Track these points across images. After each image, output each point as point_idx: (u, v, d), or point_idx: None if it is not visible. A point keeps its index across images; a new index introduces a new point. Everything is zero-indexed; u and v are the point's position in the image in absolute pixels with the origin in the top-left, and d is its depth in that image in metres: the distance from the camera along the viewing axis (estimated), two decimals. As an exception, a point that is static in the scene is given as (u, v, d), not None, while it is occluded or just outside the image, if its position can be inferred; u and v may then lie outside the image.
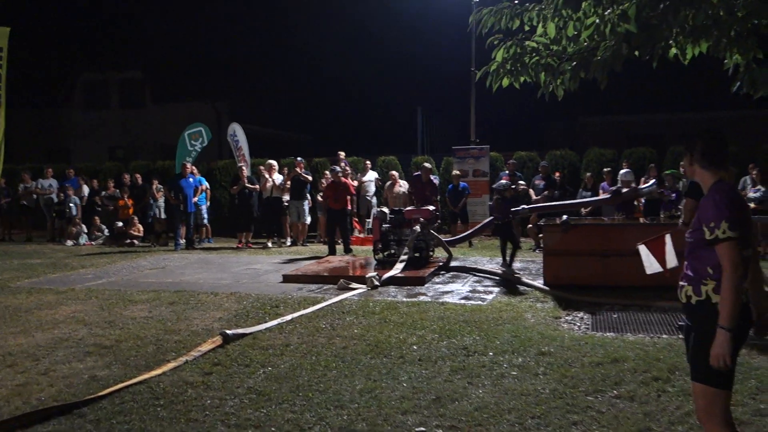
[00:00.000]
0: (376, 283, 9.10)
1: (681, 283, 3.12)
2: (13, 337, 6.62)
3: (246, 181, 15.38)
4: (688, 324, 3.12)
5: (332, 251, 13.06)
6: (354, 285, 9.03)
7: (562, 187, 14.70)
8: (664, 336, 6.26)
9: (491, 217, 11.00)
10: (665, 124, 25.04)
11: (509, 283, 9.36)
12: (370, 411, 4.39)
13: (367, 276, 9.22)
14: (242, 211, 15.65)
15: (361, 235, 16.01)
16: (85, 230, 17.40)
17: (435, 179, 13.57)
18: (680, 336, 6.20)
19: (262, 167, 16.03)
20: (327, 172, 15.48)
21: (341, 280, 9.19)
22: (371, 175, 16.74)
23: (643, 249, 6.96)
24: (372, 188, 16.62)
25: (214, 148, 22.39)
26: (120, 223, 16.79)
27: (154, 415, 4.41)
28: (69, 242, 16.89)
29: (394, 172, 15.96)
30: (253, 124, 21.63)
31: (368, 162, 17.15)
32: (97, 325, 7.08)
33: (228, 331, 6.30)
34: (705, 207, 2.97)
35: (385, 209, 11.86)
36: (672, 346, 5.83)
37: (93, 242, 17.03)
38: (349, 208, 14.42)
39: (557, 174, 15.16)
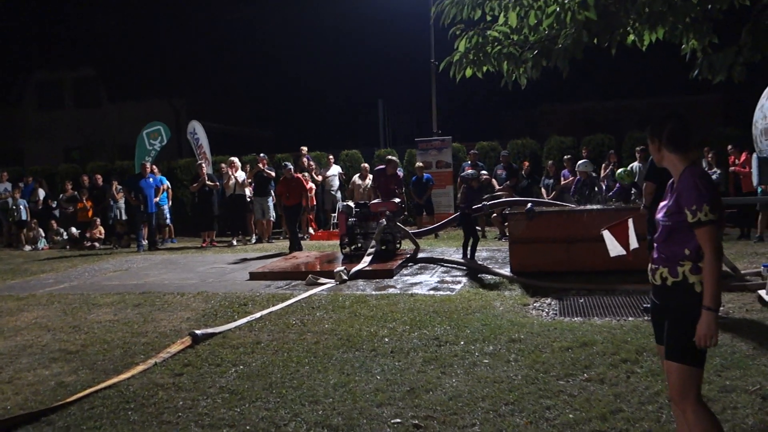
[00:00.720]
0: (345, 277, 9.08)
1: (653, 265, 3.14)
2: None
3: (206, 178, 15.20)
4: (660, 305, 3.14)
5: (297, 247, 12.99)
6: (322, 280, 9.00)
7: (530, 176, 14.85)
8: (630, 318, 6.38)
9: (460, 209, 11.04)
10: (622, 110, 25.50)
11: (477, 272, 9.43)
12: (345, 405, 4.39)
13: (335, 270, 9.19)
14: (203, 209, 15.50)
15: (312, 231, 15.92)
16: (43, 234, 17.04)
17: (399, 172, 13.59)
18: (646, 318, 6.33)
19: (223, 165, 15.86)
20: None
21: (309, 276, 9.15)
22: (335, 170, 16.69)
23: (607, 234, 7.09)
24: (336, 183, 16.58)
25: (173, 147, 22.07)
26: (74, 229, 16.46)
27: (125, 419, 4.34)
28: (27, 247, 16.51)
29: (366, 165, 15.88)
30: (213, 121, 21.37)
31: (331, 156, 17.09)
32: (62, 331, 6.93)
33: (197, 331, 6.23)
34: (685, 190, 2.97)
35: (351, 203, 11.83)
36: (638, 328, 5.94)
37: (52, 246, 16.67)
38: (306, 204, 14.31)
39: (525, 164, 15.29)
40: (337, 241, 11.65)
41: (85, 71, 28.09)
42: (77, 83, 28.39)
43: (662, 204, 3.17)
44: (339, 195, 16.52)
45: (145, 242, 15.00)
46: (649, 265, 3.18)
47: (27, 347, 6.32)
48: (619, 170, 10.93)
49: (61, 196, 17.46)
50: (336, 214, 15.04)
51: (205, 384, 4.96)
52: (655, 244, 3.17)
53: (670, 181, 3.21)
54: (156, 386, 4.95)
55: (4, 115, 28.12)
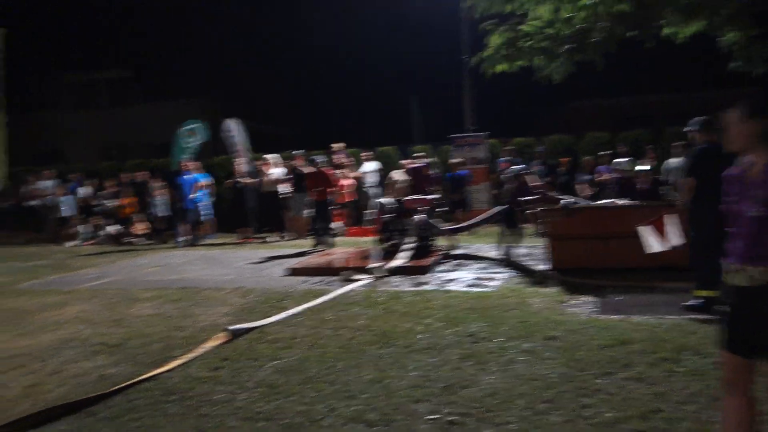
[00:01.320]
0: (380, 273, 9.10)
1: (737, 264, 2.88)
2: (19, 339, 6.61)
3: (241, 176, 15.35)
4: (751, 309, 2.86)
5: (328, 243, 13.02)
6: (358, 276, 9.03)
7: (569, 172, 14.70)
8: (670, 317, 6.26)
9: (505, 205, 10.94)
10: (656, 105, 25.08)
11: (513, 269, 9.37)
12: (380, 400, 4.40)
13: (370, 266, 9.22)
14: (240, 206, 15.65)
15: (342, 227, 15.90)
16: (84, 231, 17.39)
17: (435, 170, 13.52)
18: (686, 316, 6.21)
19: (261, 161, 16.00)
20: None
21: (345, 272, 9.18)
22: (371, 166, 16.70)
23: (642, 230, 7.00)
24: (372, 179, 16.57)
25: (210, 145, 22.30)
26: (114, 226, 16.78)
27: (164, 412, 4.41)
28: (69, 243, 16.87)
29: (406, 161, 15.83)
30: (246, 119, 21.51)
31: (368, 153, 17.10)
32: (103, 325, 7.08)
33: (234, 326, 6.31)
34: None
35: (387, 200, 11.83)
36: (678, 326, 5.84)
37: (92, 243, 17.01)
38: (334, 198, 14.33)
39: (565, 160, 15.12)
40: (373, 238, 11.67)
41: (120, 71, 28.58)
42: (113, 83, 28.90)
43: (737, 193, 2.94)
44: (375, 191, 16.54)
45: (183, 238, 15.22)
46: (729, 264, 2.95)
47: (70, 341, 6.47)
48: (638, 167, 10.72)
49: (101, 193, 17.81)
50: (372, 211, 15.05)
51: (242, 378, 5.02)
52: (735, 241, 2.95)
53: (732, 170, 3.02)
54: (194, 380, 5.02)
55: (43, 115, 28.73)
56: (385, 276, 9.12)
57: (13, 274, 11.24)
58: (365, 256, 10.97)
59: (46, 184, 18.19)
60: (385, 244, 11.04)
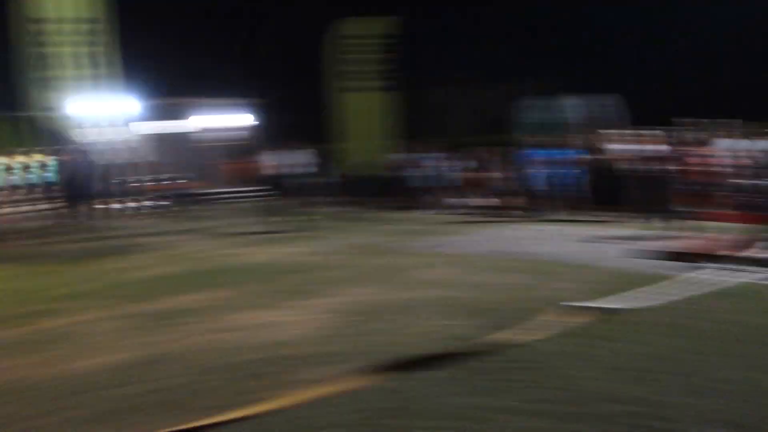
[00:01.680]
0: (744, 264, 8.17)
1: None
2: (390, 293, 7.48)
3: (597, 151, 15.05)
4: None
5: (672, 226, 12.01)
6: (714, 264, 8.26)
7: None
8: None
9: None
10: None
11: None
12: (741, 401, 4.02)
13: (750, 256, 8.39)
14: (591, 184, 15.35)
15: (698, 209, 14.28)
16: (433, 200, 18.68)
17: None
18: None
19: (596, 136, 15.56)
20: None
21: (718, 260, 8.42)
22: (750, 144, 14.89)
23: None
24: (749, 158, 14.79)
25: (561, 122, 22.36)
26: (471, 199, 17.75)
27: (509, 377, 4.58)
28: (432, 211, 18.22)
29: None
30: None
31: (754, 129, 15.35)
32: (451, 288, 7.59)
33: (580, 303, 6.32)
34: None
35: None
36: None
37: (443, 213, 18.15)
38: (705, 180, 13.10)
39: None
40: (741, 224, 10.46)
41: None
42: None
43: None
44: (746, 172, 14.74)
45: (538, 212, 15.43)
46: None
47: (428, 298, 7.08)
48: None
49: (464, 165, 18.94)
50: (741, 193, 13.48)
51: (584, 356, 4.98)
52: None
53: None
54: (542, 352, 5.12)
55: (410, 94, 31.44)
56: (751, 268, 8.16)
57: (389, 237, 12.65)
58: (726, 243, 9.91)
59: (404, 156, 20.11)
60: (752, 232, 9.85)
